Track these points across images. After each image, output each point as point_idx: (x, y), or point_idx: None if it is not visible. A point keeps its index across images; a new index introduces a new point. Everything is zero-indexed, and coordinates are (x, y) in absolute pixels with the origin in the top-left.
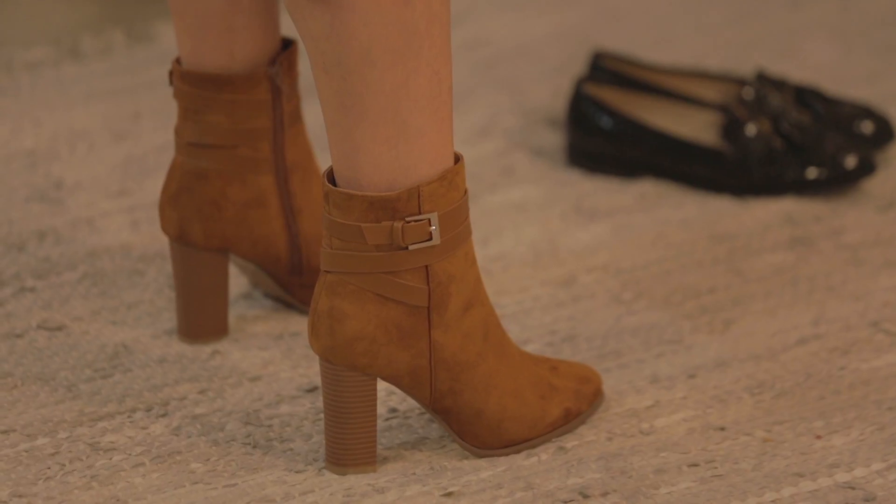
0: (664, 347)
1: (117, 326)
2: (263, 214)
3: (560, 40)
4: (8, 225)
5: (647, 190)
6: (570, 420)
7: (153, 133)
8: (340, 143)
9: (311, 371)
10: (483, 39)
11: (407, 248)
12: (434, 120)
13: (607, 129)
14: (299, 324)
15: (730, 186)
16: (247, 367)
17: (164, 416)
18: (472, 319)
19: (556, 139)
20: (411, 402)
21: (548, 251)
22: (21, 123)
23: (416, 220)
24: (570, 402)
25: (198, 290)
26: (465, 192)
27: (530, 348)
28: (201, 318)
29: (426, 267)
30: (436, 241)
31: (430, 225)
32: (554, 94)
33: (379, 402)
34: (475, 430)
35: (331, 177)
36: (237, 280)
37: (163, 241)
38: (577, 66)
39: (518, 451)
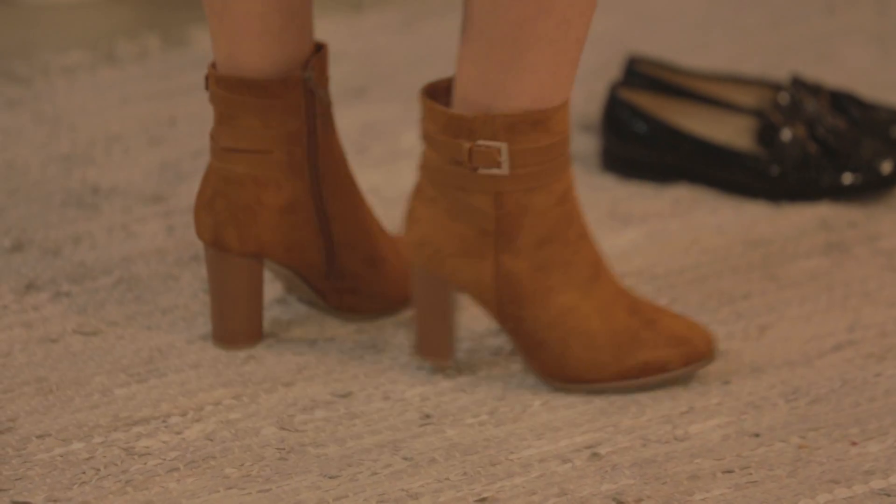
0: None
1: (152, 331)
2: (298, 219)
3: (595, 45)
4: (44, 229)
5: (681, 195)
6: (649, 374)
7: (189, 138)
8: (460, 55)
9: (346, 376)
10: None
11: (476, 169)
12: (551, 62)
13: (642, 134)
14: (334, 329)
15: (765, 192)
16: (281, 372)
17: (198, 421)
18: (548, 254)
19: (590, 144)
20: (445, 409)
21: None
22: (57, 128)
23: (485, 146)
24: (653, 356)
25: (233, 295)
26: (563, 137)
27: None
28: (236, 324)
29: (496, 194)
30: (504, 171)
31: (500, 155)
32: (588, 99)
33: (413, 408)
34: (539, 357)
35: (432, 89)
36: (272, 285)
37: (198, 246)
38: (612, 70)
39: (588, 392)
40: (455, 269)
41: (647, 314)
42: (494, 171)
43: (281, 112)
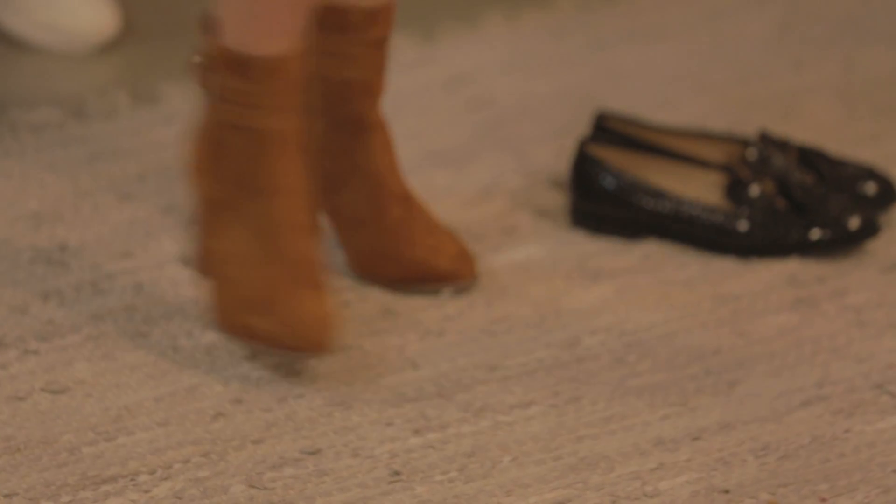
0: (669, 409)
1: (120, 389)
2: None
3: (563, 101)
4: (12, 287)
5: (650, 251)
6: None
7: (158, 195)
8: None
9: (315, 433)
10: (486, 100)
11: None
12: None
13: (610, 190)
14: (302, 387)
15: (734, 247)
16: (250, 429)
17: (167, 479)
18: None
19: (559, 200)
20: (414, 466)
21: (551, 312)
22: (26, 185)
23: None
24: None
25: None
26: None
27: (533, 410)
28: None
29: None
30: None
31: None
32: (557, 155)
33: (382, 465)
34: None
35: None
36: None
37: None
38: (580, 126)
39: None
40: None
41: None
42: None
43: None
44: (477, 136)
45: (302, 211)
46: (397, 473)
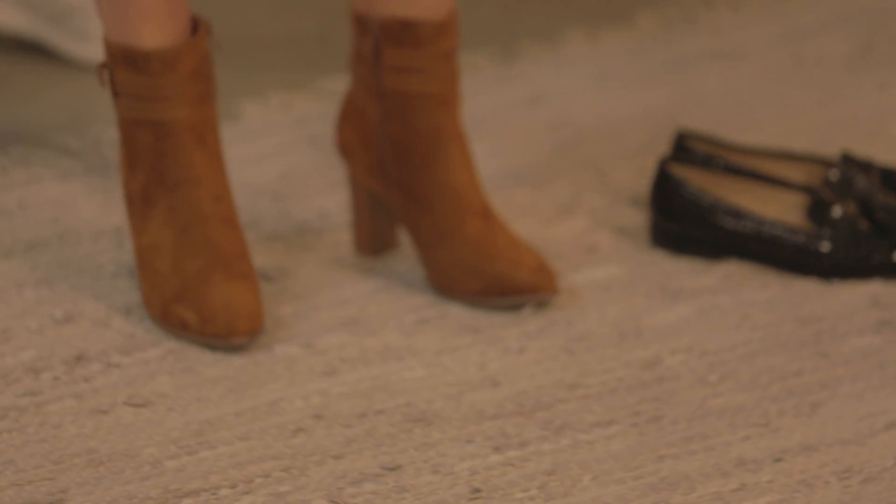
0: (750, 430)
1: (202, 403)
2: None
3: (643, 120)
4: (95, 301)
5: (731, 271)
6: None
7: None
8: None
9: (395, 449)
10: (566, 119)
11: None
12: None
13: (691, 210)
14: (383, 402)
15: (816, 269)
16: (330, 444)
17: (248, 493)
18: None
19: (639, 219)
20: (494, 483)
21: (632, 331)
22: (109, 200)
23: None
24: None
25: (355, 208)
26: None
27: (614, 429)
28: (361, 236)
29: None
30: None
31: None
32: (638, 174)
33: (462, 482)
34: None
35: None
36: (320, 357)
37: None
38: (661, 146)
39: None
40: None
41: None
42: None
43: None
44: (557, 154)
45: (220, 201)
46: (477, 491)
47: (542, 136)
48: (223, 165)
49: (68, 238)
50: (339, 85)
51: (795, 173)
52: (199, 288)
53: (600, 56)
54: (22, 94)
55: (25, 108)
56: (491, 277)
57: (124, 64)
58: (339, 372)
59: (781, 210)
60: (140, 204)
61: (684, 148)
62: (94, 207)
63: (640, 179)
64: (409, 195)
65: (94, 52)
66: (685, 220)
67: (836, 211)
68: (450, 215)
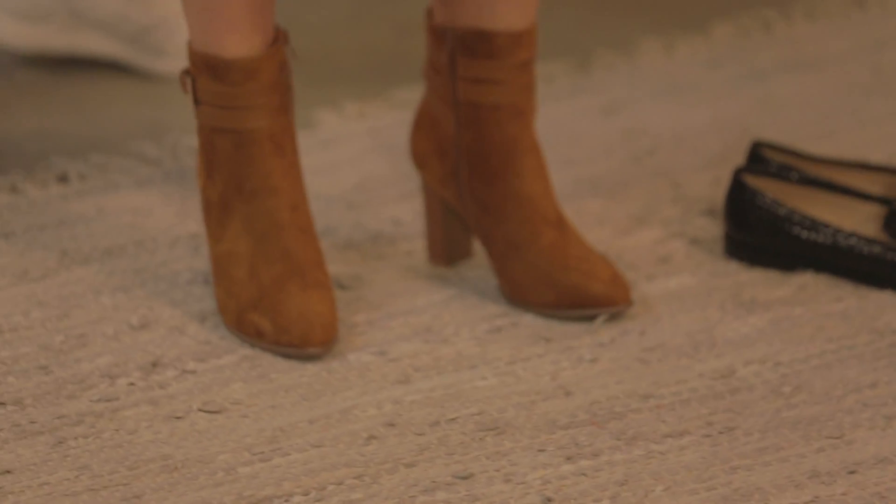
0: (824, 442)
1: (276, 409)
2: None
3: (718, 130)
4: (171, 307)
5: (806, 282)
6: None
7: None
8: None
9: (467, 458)
10: (641, 129)
11: None
12: None
13: (766, 221)
14: (455, 411)
15: (892, 280)
16: (403, 452)
17: (320, 500)
18: None
19: (714, 229)
20: (566, 493)
21: (706, 342)
22: (185, 207)
23: None
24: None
25: (428, 217)
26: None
27: (687, 440)
28: (434, 245)
29: None
30: None
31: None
32: (712, 184)
33: (534, 492)
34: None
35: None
36: (394, 364)
37: None
38: (736, 156)
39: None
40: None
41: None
42: None
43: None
44: (631, 164)
45: (297, 210)
46: (549, 500)
47: (616, 146)
48: (300, 174)
49: (145, 245)
50: (413, 95)
51: (872, 184)
52: (274, 296)
53: (675, 66)
54: (100, 103)
55: (103, 117)
56: (564, 288)
57: (206, 72)
58: (412, 380)
59: (857, 221)
60: (218, 211)
61: (760, 158)
62: (170, 214)
63: (715, 190)
64: (483, 205)
65: (172, 66)
66: (760, 230)
67: None
68: (524, 225)
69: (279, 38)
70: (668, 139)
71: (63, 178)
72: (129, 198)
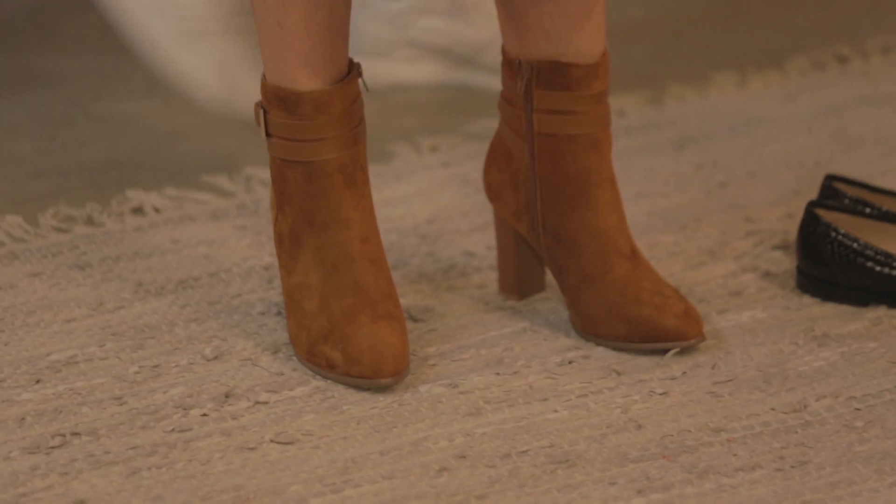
0: None
1: (347, 441)
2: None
3: (792, 164)
4: (244, 339)
5: (880, 316)
6: None
7: (400, 248)
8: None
9: (538, 490)
10: (714, 163)
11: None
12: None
13: (839, 255)
14: (526, 443)
15: None
16: (474, 484)
17: None
18: None
19: (786, 263)
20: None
21: (778, 376)
22: (259, 239)
23: None
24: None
25: (513, 249)
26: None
27: (758, 474)
28: (506, 277)
29: None
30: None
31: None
32: (785, 218)
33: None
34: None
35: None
36: (466, 397)
37: None
38: (810, 190)
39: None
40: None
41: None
42: None
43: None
44: (704, 198)
45: (368, 241)
46: None
47: (689, 179)
48: (371, 206)
49: (219, 276)
50: (487, 127)
51: None
52: (345, 328)
53: (749, 100)
54: (175, 136)
55: (178, 150)
56: (636, 322)
57: (278, 105)
58: (483, 412)
59: None
60: (289, 244)
61: (833, 192)
62: (244, 246)
63: (788, 224)
64: (557, 237)
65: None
66: (833, 264)
67: None
68: (597, 258)
69: (352, 71)
70: (741, 173)
71: (138, 211)
72: (203, 230)
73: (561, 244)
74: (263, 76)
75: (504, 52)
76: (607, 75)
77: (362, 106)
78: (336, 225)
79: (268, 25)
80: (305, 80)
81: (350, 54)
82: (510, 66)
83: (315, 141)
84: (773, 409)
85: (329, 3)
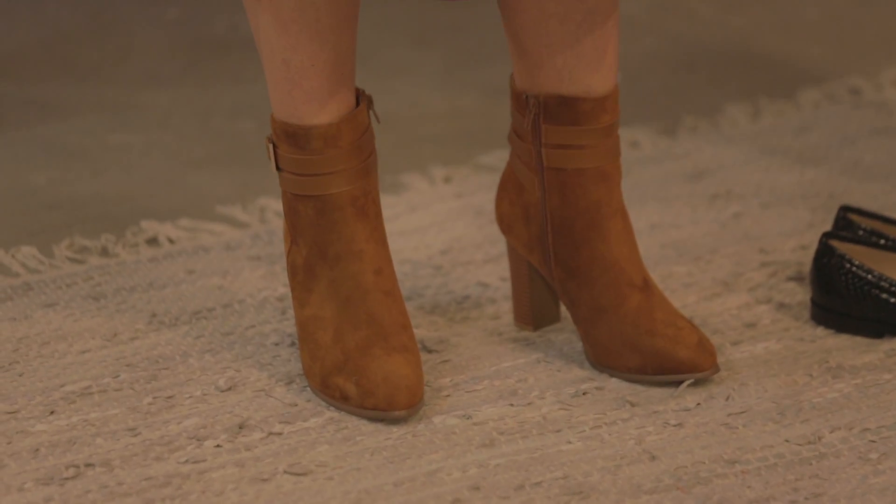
0: None
1: (361, 472)
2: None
3: (806, 196)
4: (258, 370)
5: (895, 348)
6: None
7: (414, 278)
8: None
9: None
10: (728, 194)
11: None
12: None
13: (854, 287)
14: (540, 475)
15: None
16: None
17: None
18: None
19: (800, 295)
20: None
21: (792, 407)
22: (273, 270)
23: None
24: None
25: (527, 280)
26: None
27: None
28: (520, 307)
29: None
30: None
31: None
32: (799, 250)
33: None
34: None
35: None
36: (479, 430)
37: None
38: (824, 221)
39: None
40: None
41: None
42: None
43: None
44: (718, 229)
45: (381, 273)
46: None
47: (702, 210)
48: (384, 237)
49: (233, 307)
50: (500, 160)
51: None
52: (359, 360)
53: (762, 132)
54: (188, 167)
55: (192, 180)
56: (650, 354)
57: (286, 140)
58: (497, 443)
59: None
60: (303, 276)
61: (847, 224)
62: (258, 277)
63: (802, 255)
64: (569, 269)
65: None
66: (847, 296)
67: None
68: (610, 289)
69: (360, 102)
70: (755, 204)
71: (153, 242)
72: (217, 261)
73: (573, 277)
74: (272, 112)
75: (512, 86)
76: (616, 107)
77: (373, 137)
78: (349, 257)
79: (274, 63)
80: (313, 116)
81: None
82: (518, 100)
83: (325, 175)
84: (787, 441)
85: (334, 41)
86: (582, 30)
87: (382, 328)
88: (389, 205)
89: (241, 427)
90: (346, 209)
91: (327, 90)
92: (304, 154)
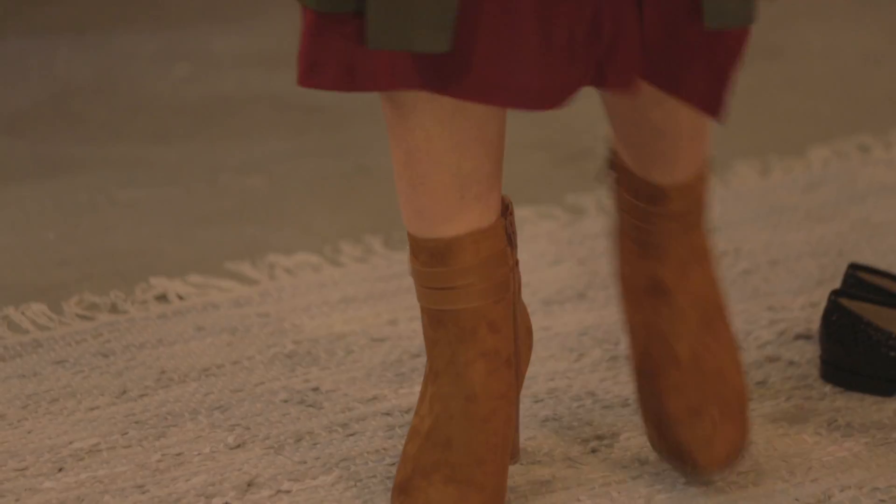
0: None
1: None
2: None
3: (815, 253)
4: (267, 427)
5: None
6: None
7: (409, 339)
8: None
9: None
10: (736, 251)
11: None
12: None
13: (864, 345)
14: None
15: None
16: None
17: None
18: None
19: (810, 352)
20: None
21: (801, 466)
22: (282, 326)
23: None
24: None
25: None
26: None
27: None
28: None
29: None
30: None
31: None
32: (808, 307)
33: None
34: None
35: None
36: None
37: None
38: (833, 279)
39: None
40: None
41: None
42: None
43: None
44: (727, 285)
45: (474, 401)
46: None
47: None
48: (513, 382)
49: (242, 364)
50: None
51: None
52: (418, 482)
53: (771, 189)
54: (198, 223)
55: (201, 237)
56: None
57: (414, 254)
58: (507, 502)
59: None
60: (425, 384)
61: (856, 281)
62: (267, 334)
63: (811, 313)
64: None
65: None
66: (857, 354)
67: None
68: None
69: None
70: (764, 261)
71: (162, 298)
72: (226, 317)
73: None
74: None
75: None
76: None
77: (506, 258)
78: (446, 377)
79: (401, 186)
80: (439, 229)
81: None
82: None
83: (448, 290)
84: (797, 500)
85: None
86: (652, 138)
87: (454, 456)
88: None
89: (249, 485)
90: (461, 327)
91: (454, 205)
92: (424, 267)
